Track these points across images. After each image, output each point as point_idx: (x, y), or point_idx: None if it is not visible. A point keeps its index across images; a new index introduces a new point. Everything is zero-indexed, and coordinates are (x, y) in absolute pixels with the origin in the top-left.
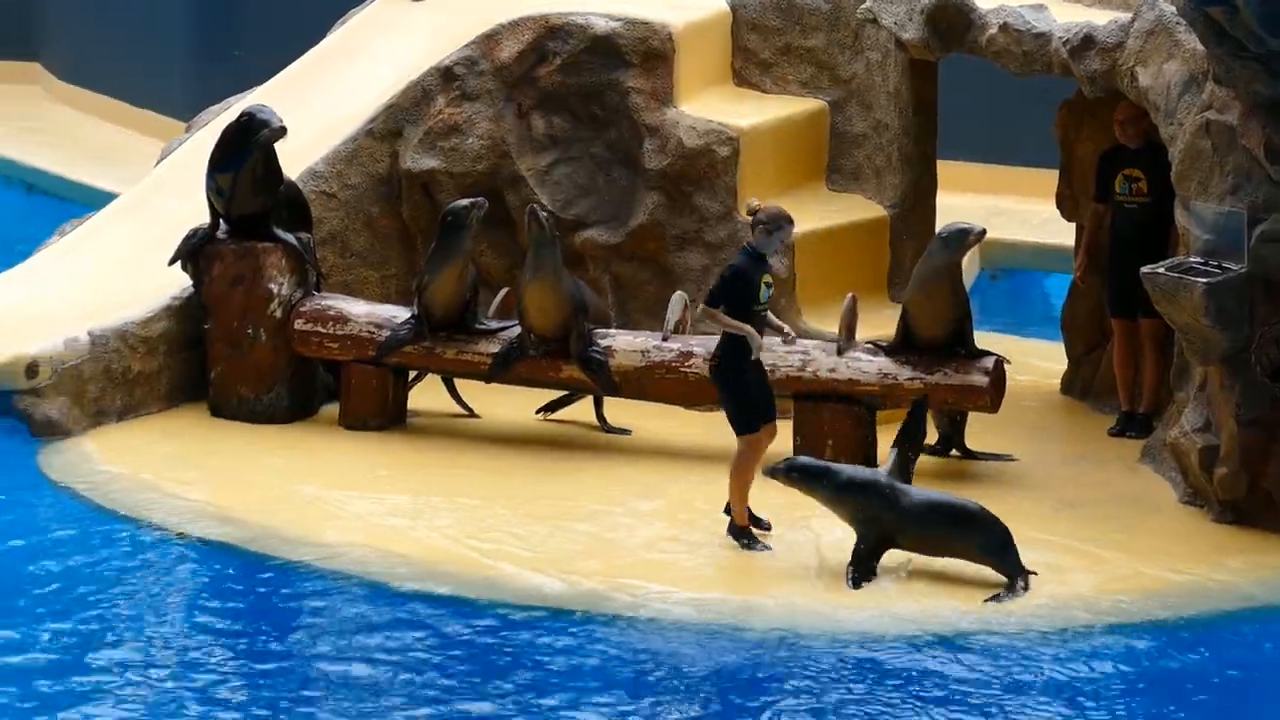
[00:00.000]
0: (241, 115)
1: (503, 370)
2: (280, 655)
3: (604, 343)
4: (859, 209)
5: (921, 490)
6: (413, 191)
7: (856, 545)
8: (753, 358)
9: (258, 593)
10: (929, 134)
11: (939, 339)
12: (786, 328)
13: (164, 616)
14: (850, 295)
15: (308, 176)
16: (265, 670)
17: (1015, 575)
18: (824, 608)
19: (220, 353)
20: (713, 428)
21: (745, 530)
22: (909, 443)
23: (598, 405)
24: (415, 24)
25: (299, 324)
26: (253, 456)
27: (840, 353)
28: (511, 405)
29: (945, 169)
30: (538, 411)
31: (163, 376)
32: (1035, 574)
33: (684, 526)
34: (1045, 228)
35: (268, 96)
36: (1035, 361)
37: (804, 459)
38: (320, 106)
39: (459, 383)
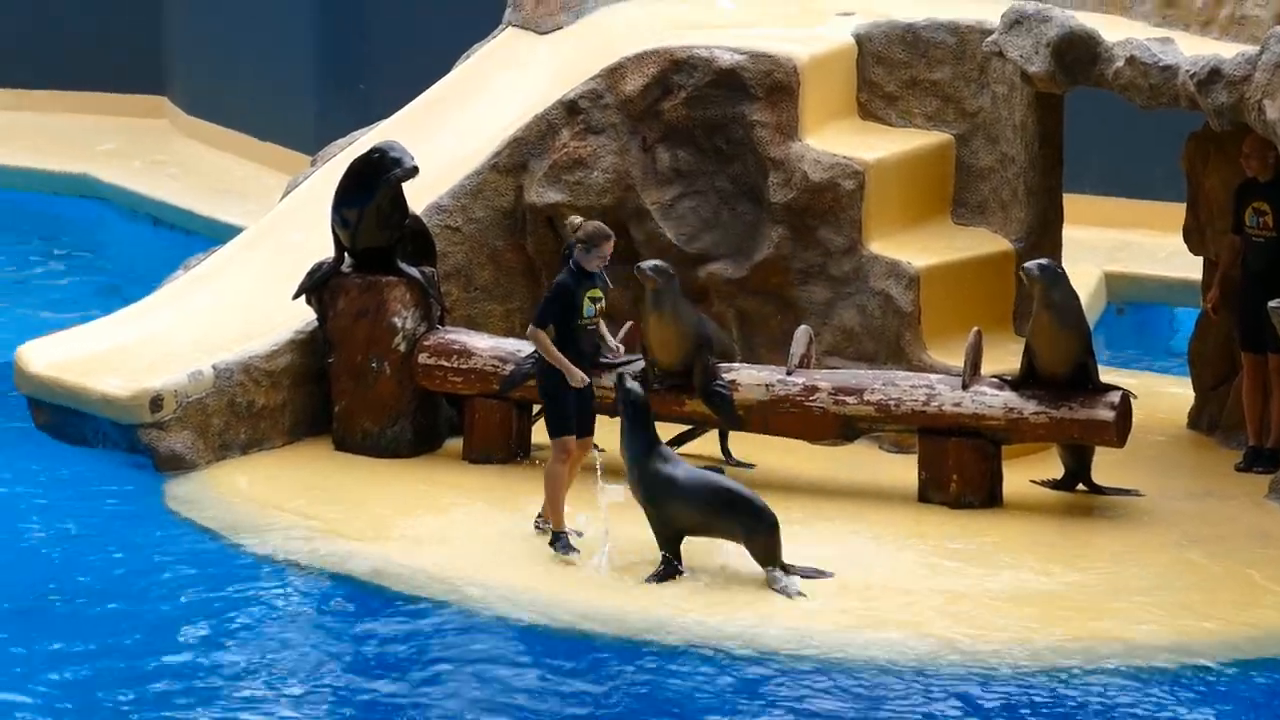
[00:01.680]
0: (372, 150)
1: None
2: (403, 690)
3: (728, 376)
4: (984, 243)
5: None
6: (537, 225)
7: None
8: (574, 386)
9: (379, 627)
10: (1055, 167)
11: (1063, 374)
12: (613, 342)
13: (289, 650)
14: (975, 330)
15: (432, 210)
16: (393, 702)
17: (770, 564)
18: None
19: (344, 386)
20: (839, 462)
21: (560, 534)
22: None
23: (723, 439)
24: (540, 58)
25: (423, 358)
26: (375, 490)
27: (965, 387)
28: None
29: (1071, 202)
30: (668, 444)
31: (286, 410)
32: (830, 575)
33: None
34: (1172, 261)
35: (392, 131)
36: (1162, 396)
37: None
38: (445, 141)
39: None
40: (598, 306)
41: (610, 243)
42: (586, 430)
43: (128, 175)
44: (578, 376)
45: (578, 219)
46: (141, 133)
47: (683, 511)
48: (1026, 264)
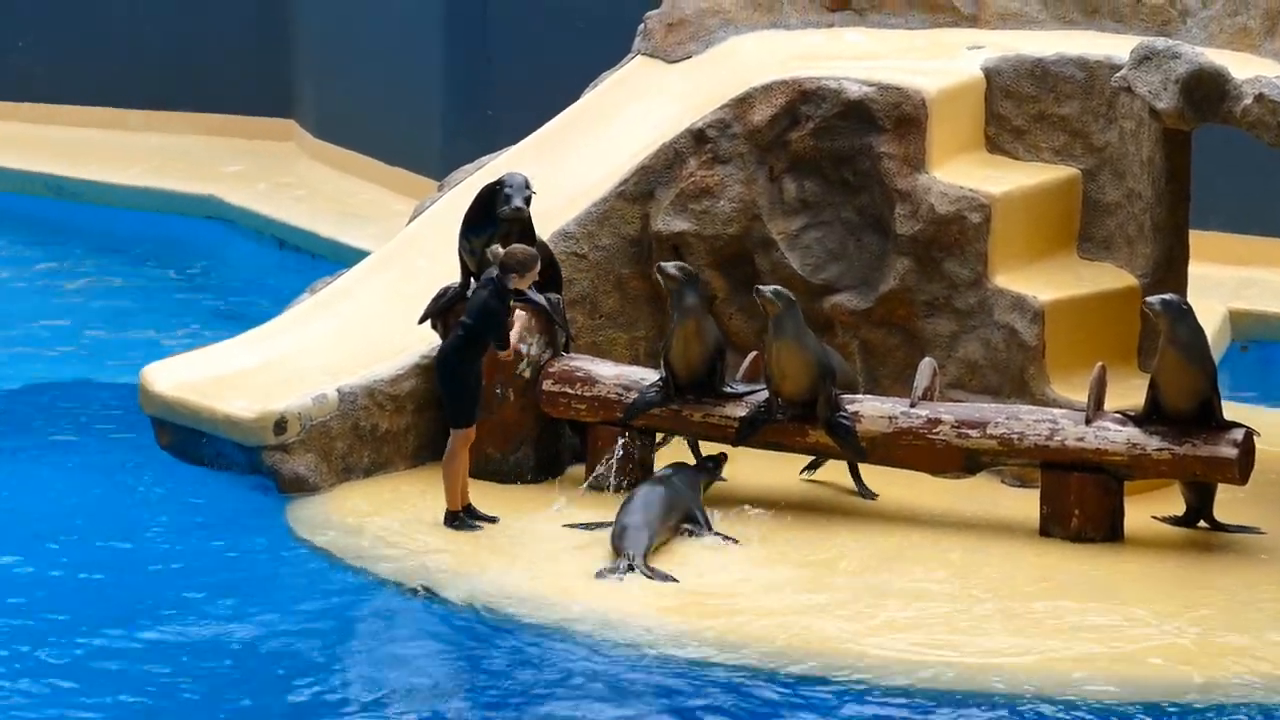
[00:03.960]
0: (497, 181)
1: (750, 434)
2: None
3: (851, 408)
4: (1110, 278)
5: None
6: (663, 253)
7: None
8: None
9: (499, 654)
10: (1182, 203)
11: (1187, 410)
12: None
13: (406, 676)
14: (1099, 365)
15: (559, 237)
16: None
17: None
18: None
19: None
20: (960, 494)
21: (456, 514)
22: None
23: (854, 469)
24: (668, 86)
25: (547, 384)
26: (498, 515)
27: (1088, 422)
28: (753, 468)
29: (1197, 239)
30: (802, 472)
31: (410, 434)
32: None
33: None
34: None
35: (520, 157)
36: None
37: None
38: (572, 167)
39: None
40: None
41: (539, 263)
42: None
43: (253, 197)
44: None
45: (498, 248)
46: (268, 155)
47: None
48: (1150, 298)
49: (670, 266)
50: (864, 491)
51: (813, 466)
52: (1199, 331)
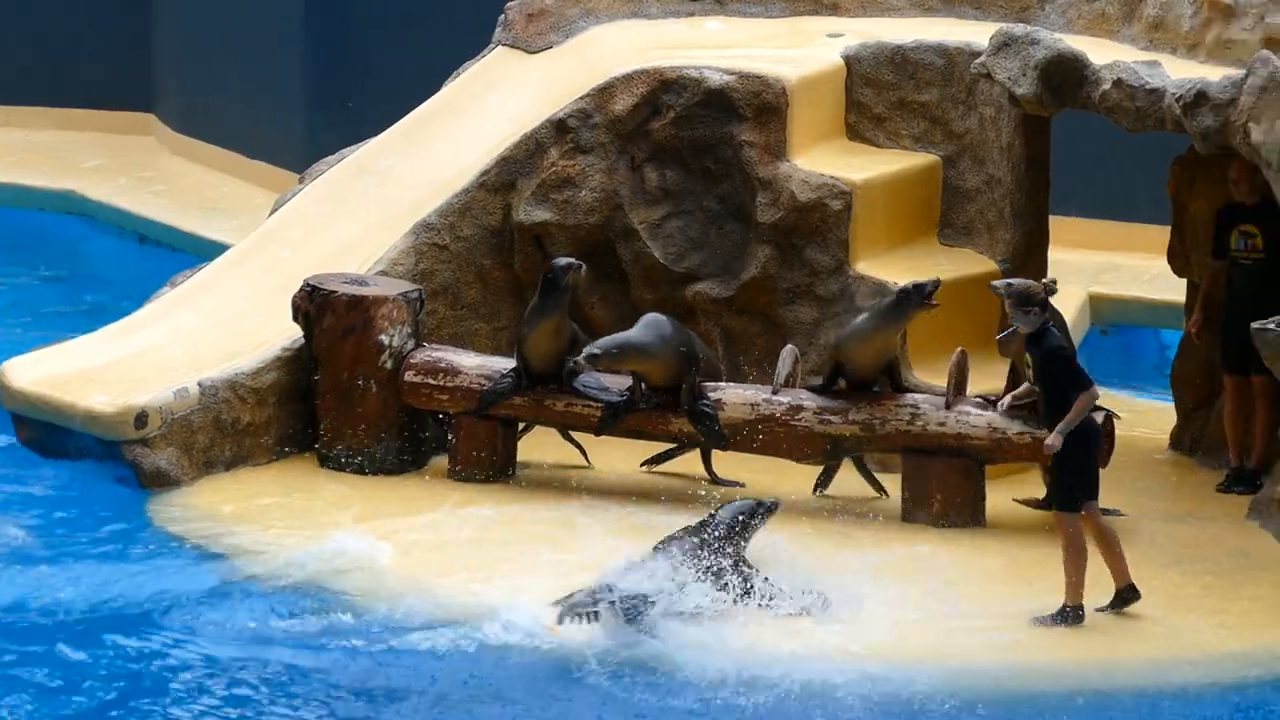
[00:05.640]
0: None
1: (612, 423)
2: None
3: (714, 395)
4: (970, 263)
5: None
6: (525, 244)
7: None
8: None
9: (363, 645)
10: (1041, 189)
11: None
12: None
13: (268, 666)
14: (959, 350)
15: (420, 229)
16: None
17: None
18: None
19: (330, 404)
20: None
21: None
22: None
23: (705, 458)
24: (529, 77)
25: (409, 376)
26: (360, 506)
27: (949, 407)
28: (619, 457)
29: (1057, 224)
30: (643, 464)
31: (272, 427)
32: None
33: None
34: (1156, 283)
35: (381, 149)
36: (1144, 417)
37: None
38: (434, 159)
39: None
40: None
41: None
42: None
43: (114, 192)
44: None
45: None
46: (129, 149)
47: None
48: (996, 282)
49: (565, 263)
50: (723, 480)
51: (662, 458)
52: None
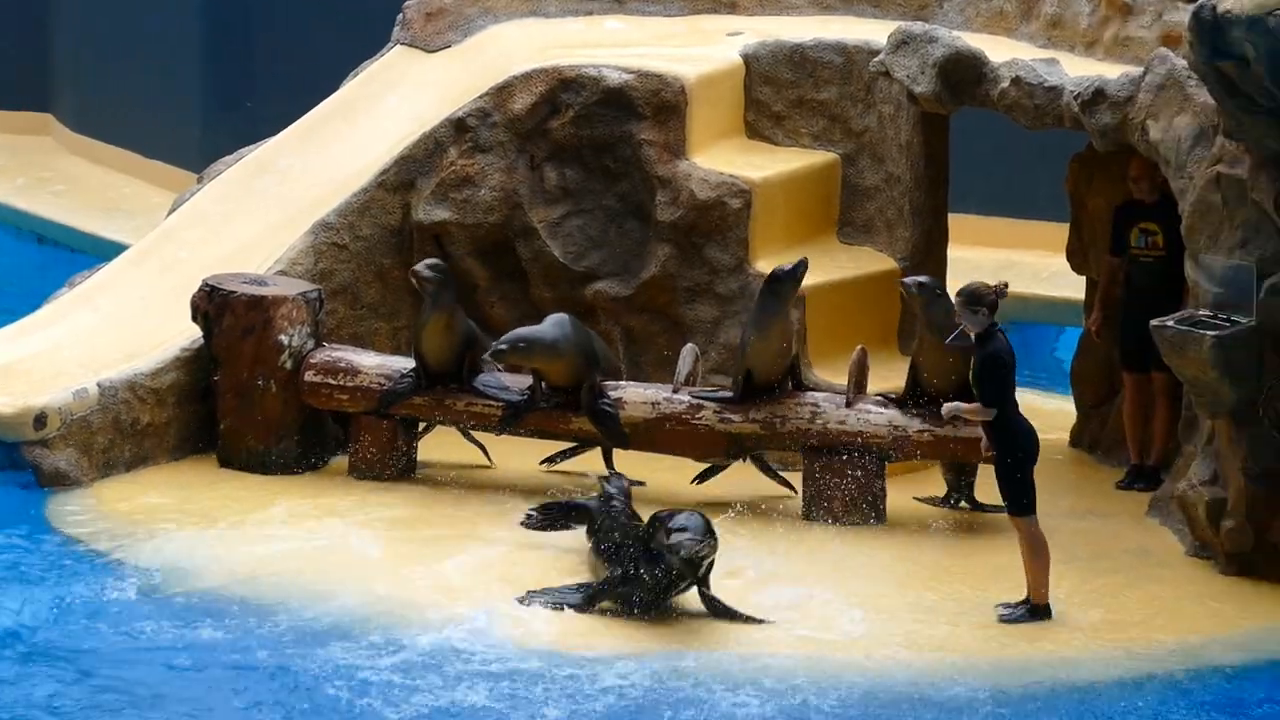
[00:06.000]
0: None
1: (513, 422)
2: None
3: (614, 394)
4: (870, 261)
5: None
6: (424, 243)
7: None
8: None
9: (261, 646)
10: (940, 187)
11: (947, 390)
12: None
13: (163, 672)
14: (860, 348)
15: (319, 228)
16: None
17: None
18: None
19: (230, 404)
20: (724, 479)
21: None
22: None
23: (607, 456)
24: (428, 76)
25: (309, 375)
26: (260, 508)
27: (849, 405)
28: (520, 456)
29: (956, 222)
30: (542, 462)
31: (172, 428)
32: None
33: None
34: (1055, 281)
35: (280, 148)
36: (1044, 414)
37: None
38: (333, 158)
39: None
40: None
41: None
42: None
43: (11, 193)
44: None
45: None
46: (26, 150)
47: None
48: (905, 279)
49: (423, 269)
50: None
51: (561, 456)
52: (953, 312)
